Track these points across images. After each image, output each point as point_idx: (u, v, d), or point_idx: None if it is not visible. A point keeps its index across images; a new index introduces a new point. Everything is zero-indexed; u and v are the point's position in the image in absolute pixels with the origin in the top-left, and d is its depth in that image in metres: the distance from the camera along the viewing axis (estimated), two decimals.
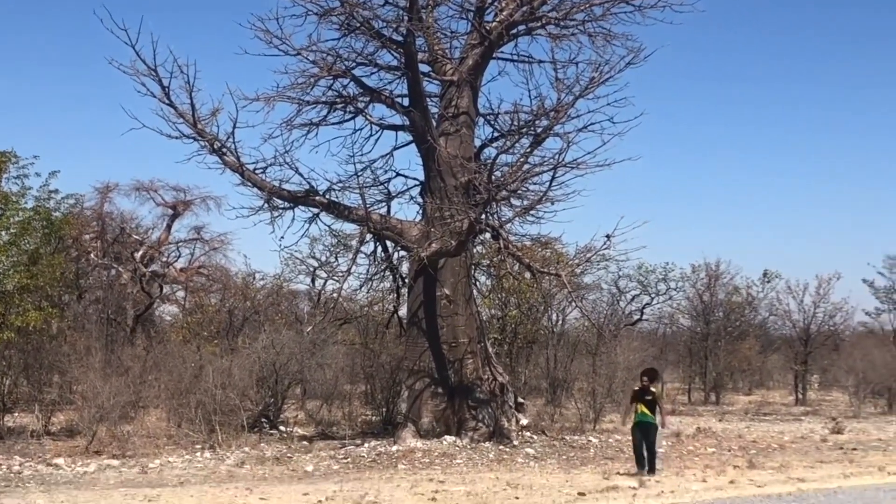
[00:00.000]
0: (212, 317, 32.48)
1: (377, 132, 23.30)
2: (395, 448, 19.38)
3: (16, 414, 22.81)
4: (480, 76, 22.48)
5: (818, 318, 42.23)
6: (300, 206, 21.79)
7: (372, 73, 22.60)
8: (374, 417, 24.78)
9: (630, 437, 17.33)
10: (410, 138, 22.59)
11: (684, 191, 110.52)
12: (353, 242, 26.82)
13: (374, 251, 23.29)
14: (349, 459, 18.19)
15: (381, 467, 17.30)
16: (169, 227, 43.74)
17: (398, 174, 23.50)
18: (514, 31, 22.30)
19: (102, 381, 20.07)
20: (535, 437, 21.39)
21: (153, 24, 47.59)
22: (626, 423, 21.83)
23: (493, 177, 20.17)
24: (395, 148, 23.44)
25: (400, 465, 17.53)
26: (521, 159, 21.31)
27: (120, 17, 18.90)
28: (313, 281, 36.81)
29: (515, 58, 23.11)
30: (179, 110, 20.18)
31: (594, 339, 32.95)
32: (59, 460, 17.31)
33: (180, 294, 43.12)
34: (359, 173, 22.43)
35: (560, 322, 35.65)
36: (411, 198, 23.70)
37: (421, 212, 22.68)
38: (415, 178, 23.28)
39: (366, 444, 20.10)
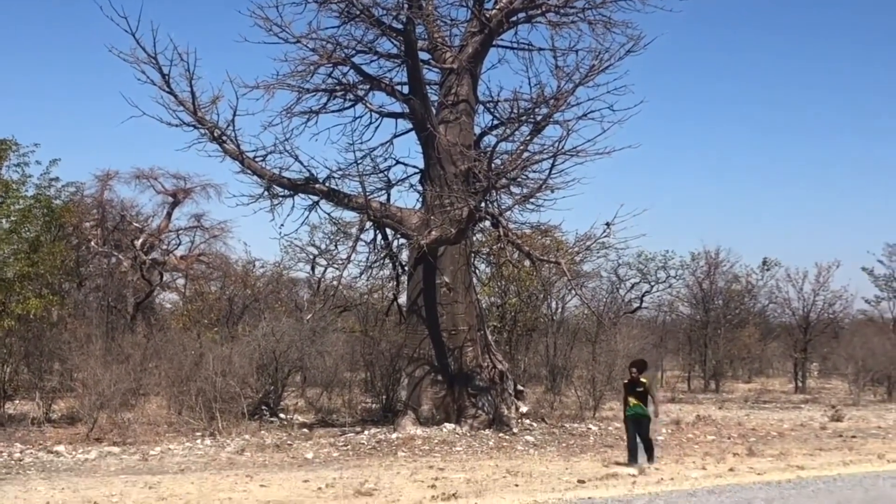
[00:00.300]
0: (212, 304, 32.48)
1: (377, 120, 23.30)
2: (394, 435, 19.42)
3: (16, 401, 22.89)
4: (480, 64, 22.43)
5: (818, 306, 42.38)
6: (300, 194, 21.80)
7: (372, 61, 22.60)
8: (373, 405, 24.85)
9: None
10: (410, 126, 22.56)
11: (684, 178, 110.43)
12: (353, 230, 26.84)
13: (374, 239, 23.27)
14: (349, 447, 18.23)
15: (381, 454, 17.34)
16: (169, 214, 43.84)
17: (398, 162, 23.54)
18: (514, 18, 22.25)
19: (103, 368, 20.12)
20: (534, 424, 21.41)
21: (153, 12, 47.58)
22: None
23: (492, 165, 20.13)
24: (395, 136, 23.47)
25: (400, 452, 17.57)
26: (521, 147, 21.25)
27: (120, 5, 18.89)
28: (313, 269, 36.92)
29: (515, 45, 23.10)
30: (179, 98, 20.15)
31: (594, 327, 33.01)
32: (60, 447, 17.37)
33: (180, 282, 43.22)
34: (359, 161, 22.44)
35: (560, 310, 35.75)
36: (411, 185, 23.74)
37: (421, 199, 22.68)
38: (414, 166, 23.32)
39: (366, 432, 20.16)
